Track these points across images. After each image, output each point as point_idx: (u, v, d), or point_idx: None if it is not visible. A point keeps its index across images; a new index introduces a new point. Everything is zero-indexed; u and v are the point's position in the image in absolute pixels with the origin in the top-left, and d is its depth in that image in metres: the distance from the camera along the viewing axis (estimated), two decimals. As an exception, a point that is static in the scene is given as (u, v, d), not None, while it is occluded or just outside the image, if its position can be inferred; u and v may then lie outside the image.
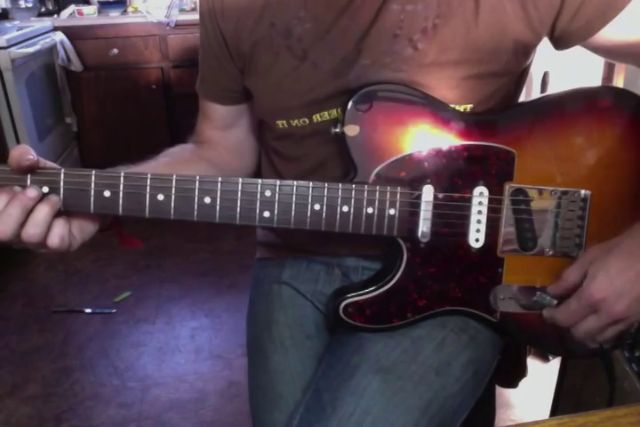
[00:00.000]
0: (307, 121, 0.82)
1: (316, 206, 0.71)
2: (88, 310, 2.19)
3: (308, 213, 0.71)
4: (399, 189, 0.73)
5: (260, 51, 0.82)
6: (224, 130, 0.95)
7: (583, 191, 0.77)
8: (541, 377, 1.65)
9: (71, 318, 2.16)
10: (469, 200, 0.75)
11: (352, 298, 0.77)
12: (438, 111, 0.75)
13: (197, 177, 0.68)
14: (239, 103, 0.92)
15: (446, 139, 0.75)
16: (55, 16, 3.18)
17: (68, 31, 2.93)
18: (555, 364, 1.68)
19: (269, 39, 0.80)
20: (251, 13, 0.80)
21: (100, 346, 2.00)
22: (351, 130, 0.73)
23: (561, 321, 0.74)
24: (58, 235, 0.65)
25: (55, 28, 2.93)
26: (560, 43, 0.80)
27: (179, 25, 2.99)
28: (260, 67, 0.83)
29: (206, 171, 0.87)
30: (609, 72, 1.90)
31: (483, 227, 0.76)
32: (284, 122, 0.83)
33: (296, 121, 0.82)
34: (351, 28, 0.76)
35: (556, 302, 0.77)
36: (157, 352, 1.97)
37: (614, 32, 0.75)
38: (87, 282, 2.40)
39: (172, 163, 0.84)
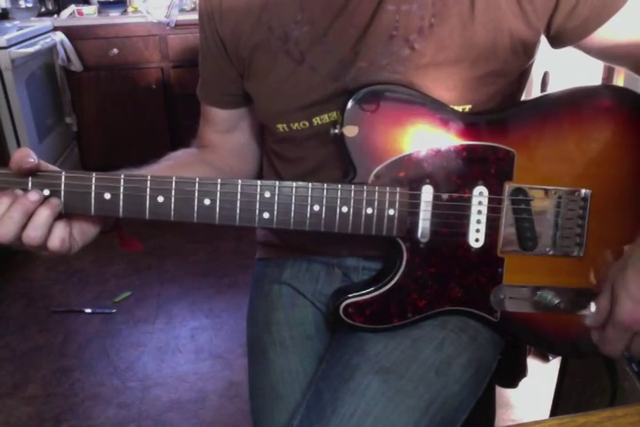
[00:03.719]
0: (307, 124, 0.82)
1: (316, 207, 0.71)
2: (88, 310, 2.19)
3: (308, 214, 0.71)
4: (398, 189, 0.73)
5: (259, 55, 0.82)
6: (226, 133, 0.95)
7: (584, 190, 0.77)
8: (541, 377, 1.65)
9: (71, 318, 2.16)
10: (469, 200, 0.75)
11: (352, 298, 0.77)
12: (437, 111, 0.75)
13: (197, 179, 0.68)
14: (240, 107, 0.92)
15: (445, 139, 0.75)
16: (55, 16, 3.18)
17: (67, 31, 2.94)
18: (555, 364, 1.68)
19: (267, 43, 0.80)
20: (249, 17, 0.80)
21: (100, 346, 2.00)
22: (350, 131, 0.73)
23: (610, 352, 0.69)
24: (58, 238, 0.65)
25: (55, 28, 2.93)
26: (556, 41, 0.80)
27: (179, 25, 3.00)
28: (259, 71, 0.83)
29: (208, 174, 0.87)
30: (609, 72, 1.90)
31: (482, 227, 0.76)
32: (285, 125, 0.83)
33: (296, 124, 0.82)
34: (347, 31, 0.76)
35: (557, 301, 0.77)
36: (157, 352, 1.97)
37: (610, 33, 0.75)
38: (87, 282, 2.40)
39: (175, 166, 0.85)
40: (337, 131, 0.74)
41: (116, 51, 3.02)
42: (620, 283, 0.65)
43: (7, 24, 2.70)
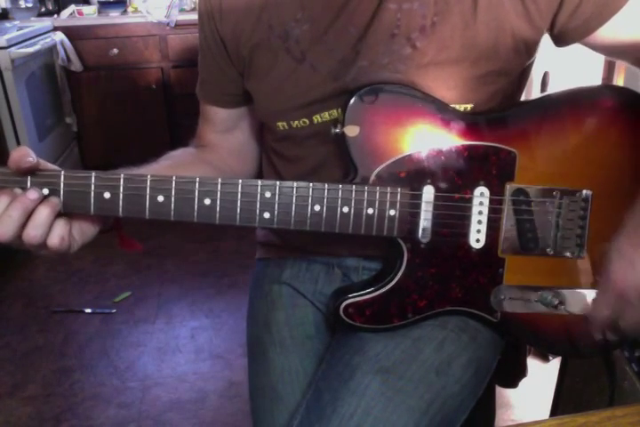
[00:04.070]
0: (307, 122, 0.81)
1: (316, 207, 0.71)
2: (88, 310, 2.19)
3: (308, 214, 0.71)
4: (399, 189, 0.73)
5: (259, 53, 0.81)
6: (225, 133, 0.95)
7: (585, 191, 0.77)
8: (541, 377, 1.65)
9: (71, 318, 2.15)
10: (470, 200, 0.75)
11: (352, 298, 0.77)
12: (438, 111, 0.75)
13: (197, 179, 0.68)
14: (239, 106, 0.92)
15: (447, 139, 0.75)
16: (55, 16, 3.18)
17: (68, 31, 2.94)
18: (555, 364, 1.68)
19: (268, 42, 0.80)
20: (249, 16, 0.80)
21: (100, 346, 2.00)
22: (351, 130, 0.73)
23: (598, 321, 0.69)
24: (58, 236, 0.65)
25: (55, 28, 2.93)
26: (559, 40, 0.80)
27: (179, 25, 3.00)
28: (260, 69, 0.83)
29: (208, 174, 0.86)
30: (609, 72, 1.90)
31: (483, 227, 0.76)
32: (285, 123, 0.83)
33: (296, 122, 0.82)
34: (348, 30, 0.76)
35: (557, 301, 0.76)
36: (157, 352, 1.97)
37: (612, 31, 0.75)
38: (87, 282, 2.40)
39: (174, 166, 0.85)
40: (338, 130, 0.74)
41: (115, 51, 3.02)
42: (614, 248, 0.66)
43: (7, 24, 2.70)
